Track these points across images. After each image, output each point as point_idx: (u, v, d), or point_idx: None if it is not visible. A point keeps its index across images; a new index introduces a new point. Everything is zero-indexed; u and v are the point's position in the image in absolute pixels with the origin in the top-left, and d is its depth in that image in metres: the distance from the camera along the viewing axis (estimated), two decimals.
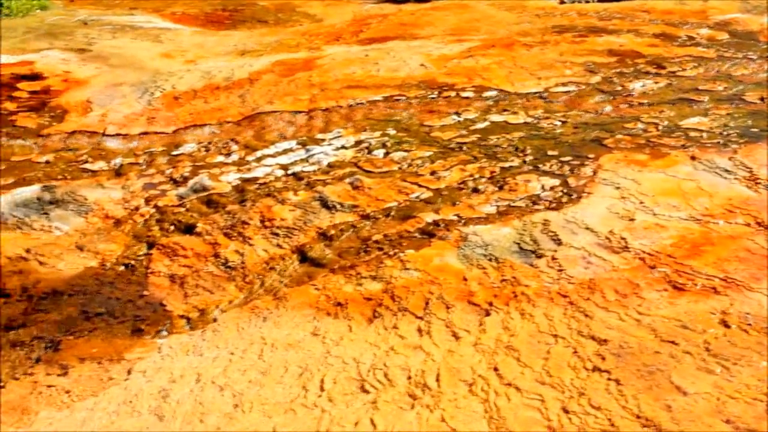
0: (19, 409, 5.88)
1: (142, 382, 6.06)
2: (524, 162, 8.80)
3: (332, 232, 7.82)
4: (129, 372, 6.20)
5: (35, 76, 13.19)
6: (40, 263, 7.76)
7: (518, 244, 7.28)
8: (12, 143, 10.49)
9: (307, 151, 9.56)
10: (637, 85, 10.89)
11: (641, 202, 7.70)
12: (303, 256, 7.55)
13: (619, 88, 10.84)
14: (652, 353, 5.72)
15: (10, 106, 11.87)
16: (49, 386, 6.10)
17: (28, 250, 7.95)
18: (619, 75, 11.31)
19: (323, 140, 9.83)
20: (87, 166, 9.69)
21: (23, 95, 12.33)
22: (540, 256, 7.06)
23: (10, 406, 5.90)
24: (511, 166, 8.72)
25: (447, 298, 6.58)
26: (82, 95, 12.18)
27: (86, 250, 7.94)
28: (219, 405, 5.71)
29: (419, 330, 6.26)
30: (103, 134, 10.64)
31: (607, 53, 12.29)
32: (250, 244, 7.75)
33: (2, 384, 6.13)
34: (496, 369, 5.76)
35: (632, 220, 7.43)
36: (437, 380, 5.70)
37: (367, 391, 5.68)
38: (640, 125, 9.52)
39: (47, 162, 9.85)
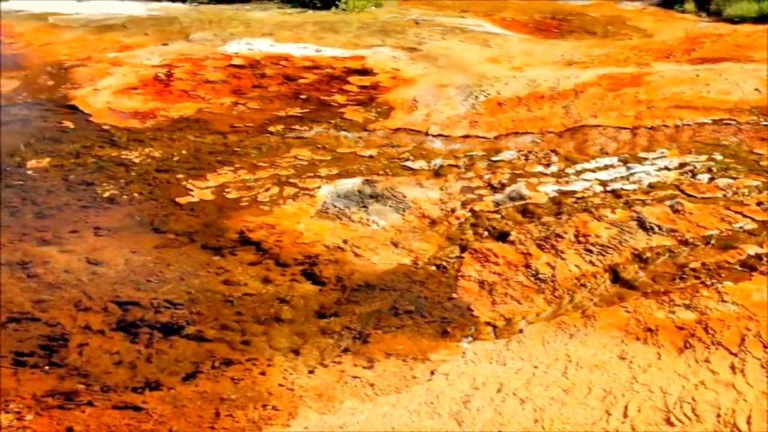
0: (325, 396, 6.04)
1: (445, 384, 6.10)
2: None
3: (648, 254, 7.61)
4: (432, 373, 6.25)
5: (365, 72, 13.59)
6: (356, 255, 7.95)
7: None
8: (339, 135, 10.84)
9: (628, 168, 9.36)
10: None
11: None
12: (615, 275, 7.40)
13: None
14: None
15: (340, 98, 12.28)
16: (355, 377, 6.24)
17: (345, 241, 8.17)
18: None
19: (645, 159, 9.60)
20: (408, 163, 9.87)
21: (353, 89, 12.73)
22: None
23: (317, 391, 6.08)
24: None
25: (765, 337, 6.27)
26: (409, 94, 12.44)
27: (400, 246, 8.08)
28: (519, 418, 5.67)
29: (732, 367, 5.99)
30: (426, 134, 10.83)
31: None
32: (563, 258, 7.66)
33: (311, 369, 6.33)
34: None
35: None
36: (748, 422, 5.44)
37: (672, 424, 5.49)
38: None
39: (371, 156, 10.11)
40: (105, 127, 11.19)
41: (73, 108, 11.97)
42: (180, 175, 9.60)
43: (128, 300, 7.23)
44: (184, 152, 10.27)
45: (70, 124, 11.31)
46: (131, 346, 6.64)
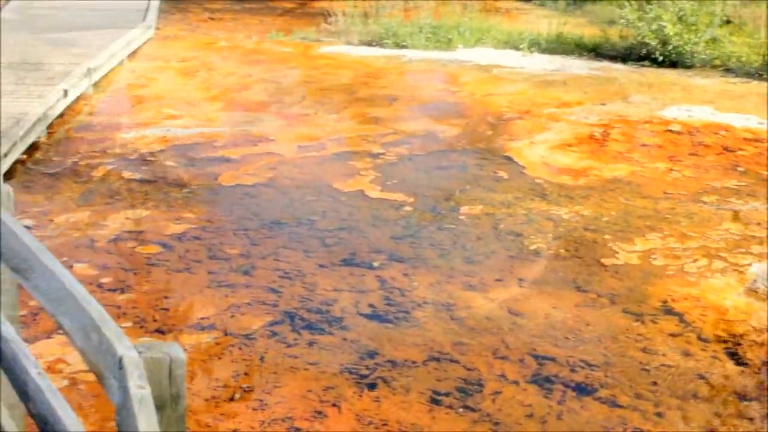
0: None
1: None
2: None
3: None
4: None
5: None
6: None
7: None
8: None
9: None
10: None
11: None
12: None
13: None
14: None
15: None
16: None
17: None
18: None
19: None
20: None
21: None
22: None
23: None
24: None
25: None
26: None
27: None
28: None
29: None
30: None
31: None
32: None
33: None
34: None
35: None
36: None
37: None
38: None
39: None
40: (537, 180, 11.37)
41: (508, 159, 12.25)
42: (607, 236, 9.58)
43: (545, 354, 7.29)
44: (613, 213, 10.23)
45: (504, 175, 11.59)
46: (544, 400, 6.68)
